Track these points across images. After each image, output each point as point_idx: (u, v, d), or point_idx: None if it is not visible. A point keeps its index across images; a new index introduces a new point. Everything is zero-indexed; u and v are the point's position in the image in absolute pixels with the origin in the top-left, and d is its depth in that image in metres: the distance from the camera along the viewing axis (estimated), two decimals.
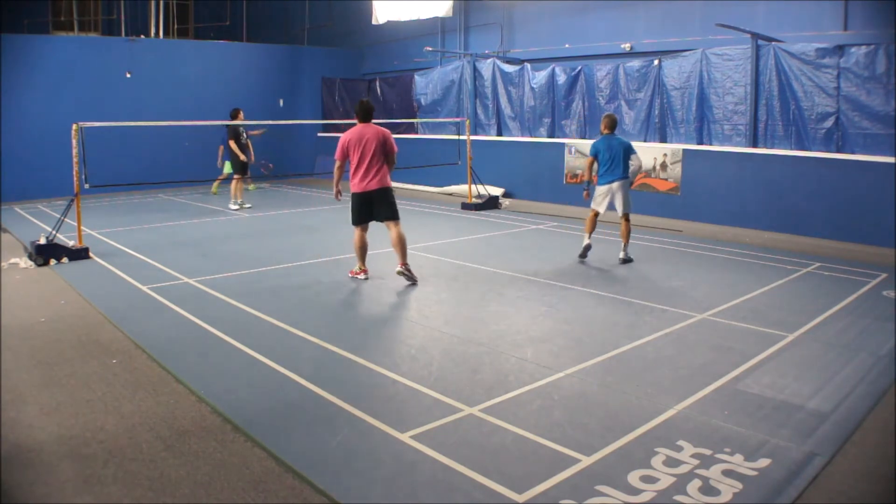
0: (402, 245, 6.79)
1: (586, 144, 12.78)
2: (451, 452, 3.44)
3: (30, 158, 14.11)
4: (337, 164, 6.94)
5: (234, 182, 12.63)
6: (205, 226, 10.87)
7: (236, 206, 12.46)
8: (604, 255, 8.44)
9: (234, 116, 12.34)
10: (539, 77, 13.75)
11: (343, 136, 6.81)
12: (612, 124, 7.90)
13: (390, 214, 6.80)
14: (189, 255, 8.49)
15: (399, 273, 6.83)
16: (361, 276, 7.06)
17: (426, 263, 7.78)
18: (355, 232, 6.98)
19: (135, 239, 9.48)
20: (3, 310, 5.84)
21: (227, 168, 13.45)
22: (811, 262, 8.05)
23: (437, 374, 4.59)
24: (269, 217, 11.84)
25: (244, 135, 12.40)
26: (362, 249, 7.02)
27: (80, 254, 8.14)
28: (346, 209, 12.63)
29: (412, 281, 6.84)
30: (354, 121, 7.03)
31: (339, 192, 7.10)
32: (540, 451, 3.48)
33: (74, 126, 8.16)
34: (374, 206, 6.80)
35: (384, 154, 6.75)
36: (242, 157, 12.25)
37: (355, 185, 6.79)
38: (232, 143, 12.18)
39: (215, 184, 14.78)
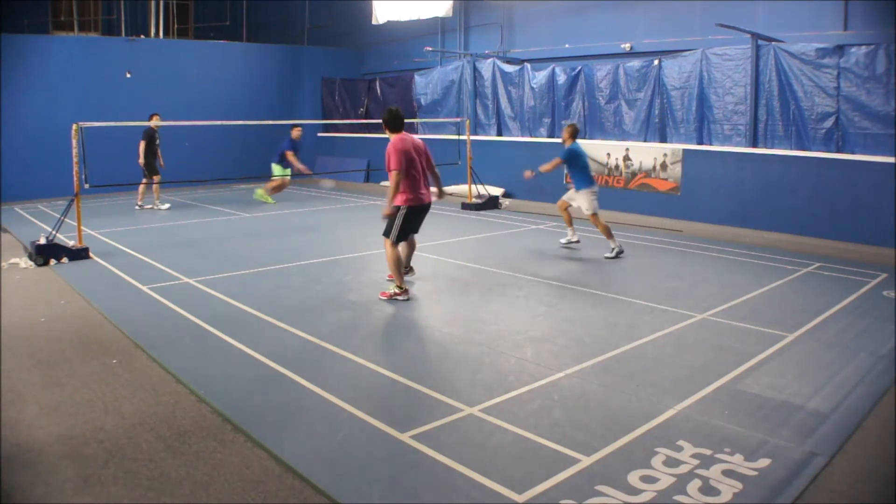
0: (412, 250, 6.94)
1: (586, 144, 12.79)
2: (451, 452, 3.44)
3: (30, 158, 14.10)
4: (398, 176, 6.15)
5: (155, 186, 12.46)
6: (205, 226, 10.87)
7: (149, 206, 12.47)
8: (603, 255, 8.44)
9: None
10: (539, 77, 13.75)
11: (397, 145, 6.19)
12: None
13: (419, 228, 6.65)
14: (189, 255, 8.49)
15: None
16: (402, 298, 6.33)
17: (426, 263, 7.78)
18: (395, 249, 6.36)
19: (135, 239, 9.48)
20: (3, 310, 5.84)
21: (278, 170, 13.18)
22: (811, 262, 8.05)
23: (437, 374, 4.60)
24: (269, 217, 11.84)
25: (157, 140, 12.34)
26: (401, 264, 6.46)
27: (80, 254, 8.14)
28: (346, 209, 12.72)
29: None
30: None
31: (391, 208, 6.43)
32: (540, 451, 3.48)
33: (74, 126, 8.16)
34: (420, 219, 6.53)
35: (429, 165, 6.51)
36: (161, 161, 12.30)
37: (413, 197, 6.28)
38: (143, 145, 12.08)
39: (266, 190, 13.89)
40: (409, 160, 6.23)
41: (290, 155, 12.59)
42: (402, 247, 6.56)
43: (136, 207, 12.56)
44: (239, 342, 5.13)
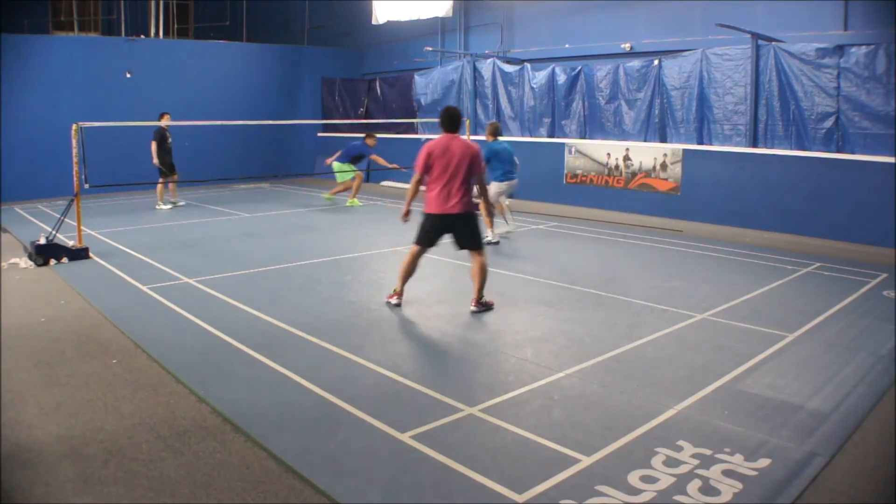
0: (482, 276, 6.03)
1: (587, 144, 12.85)
2: (451, 452, 3.44)
3: (30, 158, 14.09)
4: (416, 176, 5.90)
5: (160, 185, 12.56)
6: (205, 226, 10.87)
7: (169, 206, 12.60)
8: (604, 255, 8.44)
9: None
10: (539, 77, 13.75)
11: (426, 147, 5.87)
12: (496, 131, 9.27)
13: (474, 243, 6.02)
14: (189, 255, 8.49)
15: (474, 312, 6.05)
16: (394, 301, 6.18)
17: (426, 263, 7.75)
18: (412, 250, 6.07)
19: (135, 239, 9.48)
20: (3, 310, 5.84)
21: (337, 168, 13.01)
22: (811, 262, 8.05)
23: (437, 374, 4.60)
24: (269, 217, 11.84)
25: (169, 139, 12.41)
26: (410, 271, 6.14)
27: (80, 254, 8.13)
28: (346, 209, 12.70)
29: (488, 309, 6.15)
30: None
31: (409, 212, 6.07)
32: (540, 451, 3.48)
33: (74, 126, 8.16)
34: (454, 233, 5.98)
35: (470, 173, 5.87)
36: (167, 159, 12.38)
37: (433, 204, 5.87)
38: (154, 146, 12.15)
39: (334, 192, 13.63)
40: (433, 165, 5.81)
41: (376, 158, 12.78)
42: (471, 270, 6.11)
43: (168, 206, 12.61)
44: (238, 342, 5.13)
